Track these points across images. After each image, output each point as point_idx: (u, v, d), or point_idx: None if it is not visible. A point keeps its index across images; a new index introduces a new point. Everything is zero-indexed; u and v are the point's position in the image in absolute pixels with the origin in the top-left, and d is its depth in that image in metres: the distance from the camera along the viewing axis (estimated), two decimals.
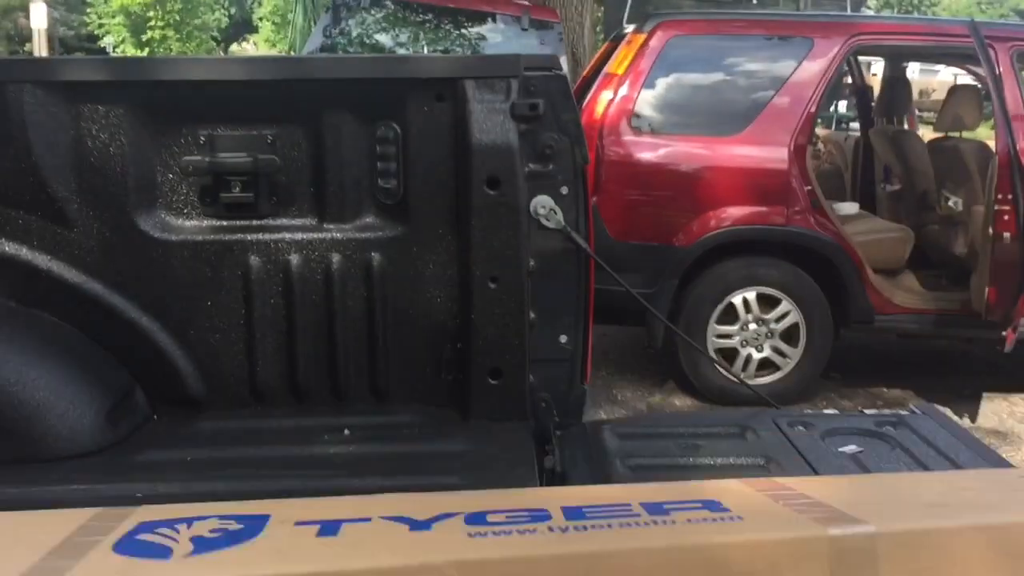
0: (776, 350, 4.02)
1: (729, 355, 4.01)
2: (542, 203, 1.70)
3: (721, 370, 3.88)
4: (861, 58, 5.75)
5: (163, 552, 0.89)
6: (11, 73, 1.63)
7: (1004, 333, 3.74)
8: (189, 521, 0.97)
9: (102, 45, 23.74)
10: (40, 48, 16.38)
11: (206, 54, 22.72)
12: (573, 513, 0.94)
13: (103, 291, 1.69)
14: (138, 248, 1.69)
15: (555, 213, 1.70)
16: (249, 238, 1.72)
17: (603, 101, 3.98)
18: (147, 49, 21.83)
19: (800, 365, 4.02)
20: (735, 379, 3.60)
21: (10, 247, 1.68)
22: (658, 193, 4.02)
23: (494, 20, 5.76)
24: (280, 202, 1.74)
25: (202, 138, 1.69)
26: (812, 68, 4.00)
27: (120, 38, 22.96)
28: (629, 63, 4.01)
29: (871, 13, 17.48)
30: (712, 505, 0.93)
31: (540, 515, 0.94)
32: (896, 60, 5.33)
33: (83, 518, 1.01)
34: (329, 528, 0.95)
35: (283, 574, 0.85)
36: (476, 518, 0.95)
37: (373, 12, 6.02)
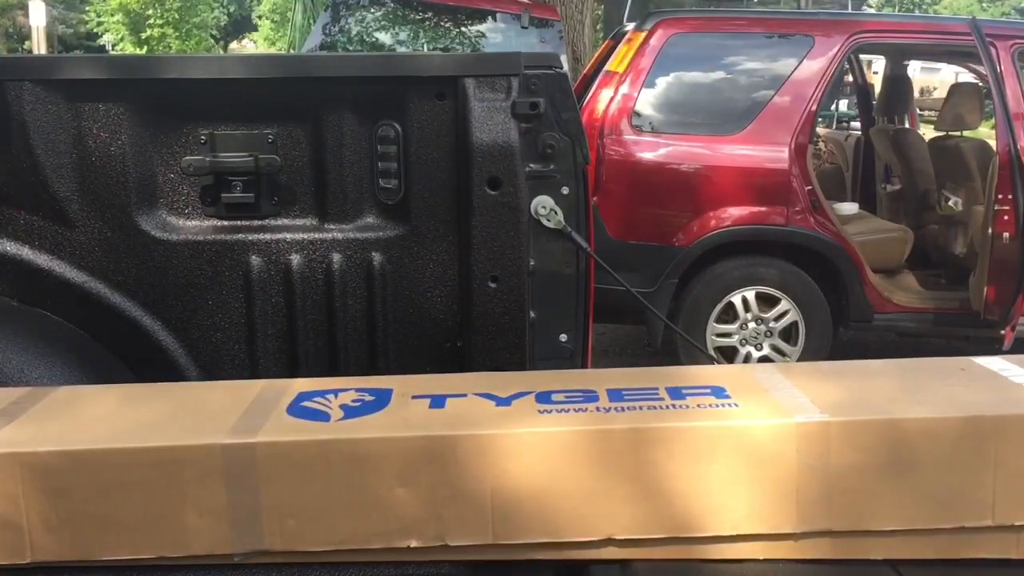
0: (775, 349, 4.02)
1: (728, 354, 4.01)
2: (543, 203, 1.70)
3: None
4: (862, 56, 5.75)
5: (324, 416, 1.21)
6: (11, 71, 1.63)
7: (1003, 332, 3.75)
8: (336, 392, 1.30)
9: (101, 43, 23.74)
10: (39, 46, 16.38)
11: (205, 52, 22.72)
12: (615, 395, 1.25)
13: (105, 290, 1.69)
14: (139, 248, 1.69)
15: (555, 213, 1.70)
16: (250, 238, 1.72)
17: (603, 100, 3.98)
18: (146, 47, 21.84)
19: None
20: None
21: (11, 246, 1.68)
22: (658, 193, 4.02)
23: (494, 18, 5.76)
24: (281, 202, 1.74)
25: (203, 138, 1.69)
26: (813, 66, 4.00)
27: (119, 36, 22.97)
28: (629, 61, 4.01)
29: (872, 11, 17.46)
30: (717, 392, 1.25)
31: (591, 396, 1.25)
32: (897, 58, 5.34)
33: (256, 389, 1.34)
34: (438, 402, 1.25)
35: (407, 436, 1.15)
36: (544, 397, 1.25)
37: (372, 10, 6.02)
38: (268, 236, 1.72)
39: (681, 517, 1.15)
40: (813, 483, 1.13)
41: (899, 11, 26.63)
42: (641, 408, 1.20)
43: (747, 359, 4.01)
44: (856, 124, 7.17)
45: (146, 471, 1.13)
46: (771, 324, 4.00)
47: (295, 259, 1.72)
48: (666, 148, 4.02)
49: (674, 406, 1.20)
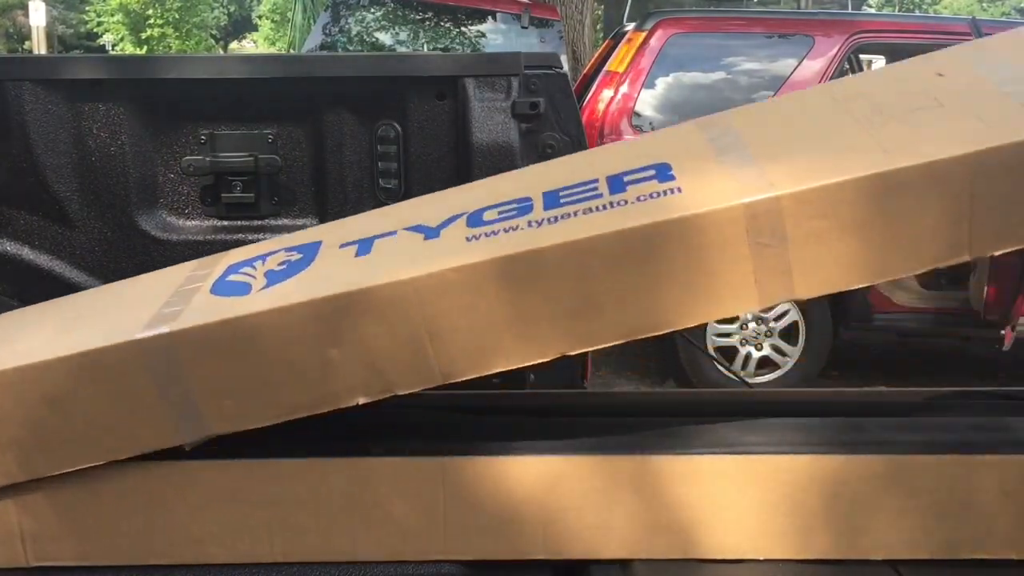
0: (775, 348, 4.02)
1: (728, 353, 4.01)
2: None
3: (720, 368, 3.88)
4: (862, 56, 5.75)
5: (245, 289, 1.15)
6: (11, 71, 1.63)
7: (1003, 332, 3.75)
8: (264, 257, 1.24)
9: (101, 43, 23.73)
10: (39, 46, 16.39)
11: (206, 52, 22.72)
12: (551, 201, 1.15)
13: None
14: (139, 248, 1.69)
15: None
16: (250, 238, 1.72)
17: (604, 99, 3.98)
18: (146, 47, 21.82)
19: (799, 364, 4.02)
20: (734, 377, 3.61)
21: (11, 246, 1.68)
22: None
23: (494, 18, 5.76)
24: (281, 202, 1.74)
25: (203, 138, 1.69)
26: (813, 67, 4.00)
27: (119, 36, 22.94)
28: (629, 61, 4.01)
29: (872, 11, 17.47)
30: (661, 173, 1.15)
31: (525, 206, 1.16)
32: (897, 58, 5.33)
33: (189, 269, 1.30)
34: (364, 247, 1.18)
35: (326, 296, 1.08)
36: (475, 219, 1.16)
37: (373, 10, 6.02)
38: (268, 236, 1.72)
39: (637, 319, 1.09)
40: (772, 260, 1.06)
41: (899, 11, 26.61)
42: (576, 215, 1.10)
43: (747, 359, 4.01)
44: None
45: (72, 380, 1.10)
46: (771, 324, 4.00)
47: None
48: None
49: (612, 204, 1.11)
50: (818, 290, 1.08)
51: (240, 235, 1.72)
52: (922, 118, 1.13)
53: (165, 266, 1.70)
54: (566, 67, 2.87)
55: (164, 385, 1.09)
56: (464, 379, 1.09)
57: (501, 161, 1.64)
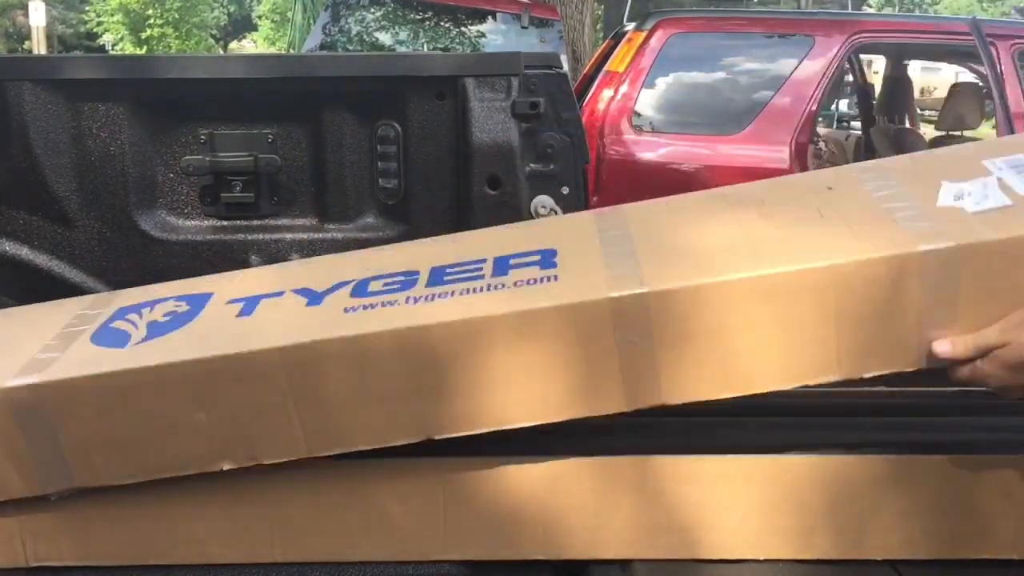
0: None
1: None
2: (543, 203, 1.70)
3: None
4: (862, 56, 5.76)
5: (123, 340, 1.14)
6: (11, 71, 1.63)
7: None
8: (153, 304, 1.23)
9: (101, 43, 23.76)
10: (39, 46, 16.40)
11: (205, 52, 22.74)
12: (436, 277, 1.16)
13: (104, 291, 1.69)
14: (139, 248, 1.69)
15: (555, 213, 1.70)
16: (250, 238, 1.72)
17: (604, 99, 3.99)
18: (146, 47, 21.85)
19: None
20: None
21: (10, 246, 1.69)
22: (658, 192, 4.01)
23: (494, 18, 5.77)
24: (281, 202, 1.74)
25: (203, 137, 1.69)
26: (813, 66, 4.01)
27: (119, 36, 22.98)
28: (630, 61, 4.01)
29: (872, 11, 17.49)
30: (546, 259, 1.15)
31: (410, 280, 1.16)
32: (897, 58, 5.34)
33: (81, 306, 1.28)
34: (249, 306, 1.18)
35: (198, 358, 1.08)
36: (360, 289, 1.17)
37: (372, 10, 6.03)
38: (268, 236, 1.73)
39: (501, 407, 1.09)
40: (638, 358, 1.04)
41: (899, 11, 26.62)
42: (453, 295, 1.10)
43: None
44: (857, 124, 7.18)
45: None
46: None
47: (295, 259, 1.72)
48: (666, 148, 4.02)
49: (491, 287, 1.10)
50: (684, 396, 1.07)
51: (240, 235, 1.72)
52: (800, 228, 1.12)
53: (164, 266, 1.71)
54: (566, 67, 2.87)
55: (33, 436, 1.09)
56: (326, 453, 1.09)
57: (501, 161, 1.64)
